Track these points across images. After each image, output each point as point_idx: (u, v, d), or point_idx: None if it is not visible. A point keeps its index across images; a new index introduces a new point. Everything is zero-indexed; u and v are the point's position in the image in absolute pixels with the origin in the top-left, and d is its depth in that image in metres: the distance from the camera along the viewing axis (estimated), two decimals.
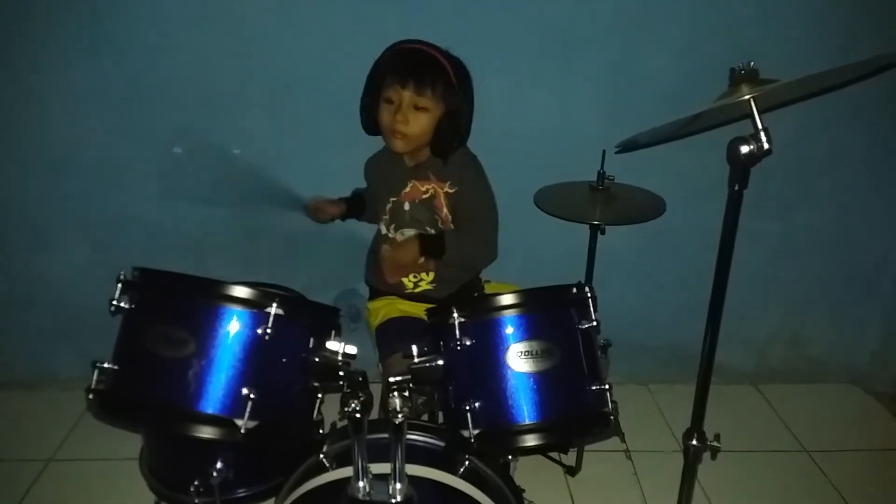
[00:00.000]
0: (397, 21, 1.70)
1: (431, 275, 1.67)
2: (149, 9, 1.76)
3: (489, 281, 1.79)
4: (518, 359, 1.13)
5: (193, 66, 1.81)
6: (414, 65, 1.51)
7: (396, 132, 1.54)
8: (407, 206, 1.64)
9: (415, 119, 1.53)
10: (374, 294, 1.74)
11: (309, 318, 1.17)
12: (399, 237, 1.66)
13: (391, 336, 1.58)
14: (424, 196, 1.63)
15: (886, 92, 1.92)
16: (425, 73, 1.51)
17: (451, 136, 1.58)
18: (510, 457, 1.40)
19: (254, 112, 1.88)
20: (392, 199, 1.65)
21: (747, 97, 1.05)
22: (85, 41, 1.78)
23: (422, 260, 1.63)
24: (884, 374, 2.24)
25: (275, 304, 1.06)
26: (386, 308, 1.67)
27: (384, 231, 1.68)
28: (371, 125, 1.61)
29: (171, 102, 1.85)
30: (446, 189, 1.63)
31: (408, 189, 1.63)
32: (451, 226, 1.65)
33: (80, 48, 1.79)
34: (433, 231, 1.64)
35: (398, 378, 1.06)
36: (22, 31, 1.77)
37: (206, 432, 1.04)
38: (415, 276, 1.67)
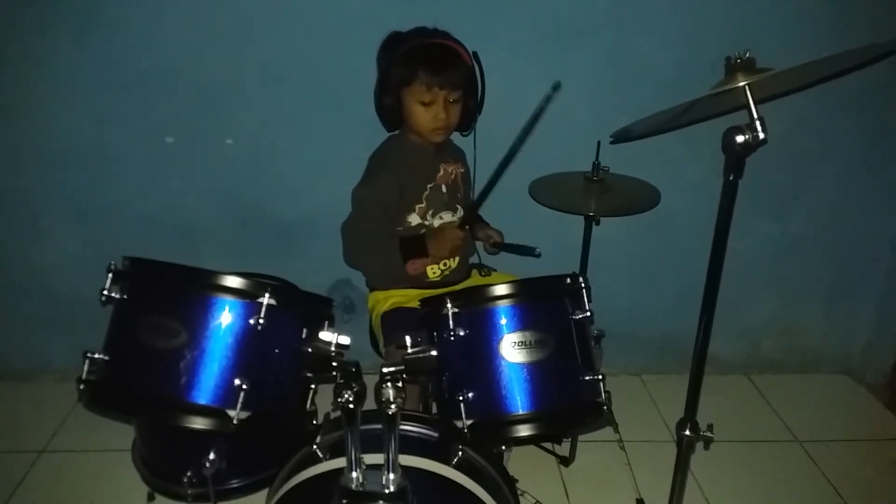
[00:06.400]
0: (391, 10, 1.69)
1: (457, 259, 1.69)
2: None
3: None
4: (512, 349, 1.13)
5: (186, 56, 1.79)
6: (442, 63, 1.51)
7: (438, 129, 1.57)
8: (444, 189, 1.67)
9: (453, 112, 1.57)
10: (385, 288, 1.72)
11: (302, 309, 1.16)
12: (437, 221, 1.66)
13: (398, 324, 1.58)
14: (453, 177, 1.68)
15: (880, 84, 1.92)
16: (454, 69, 1.53)
17: (474, 112, 1.63)
18: (504, 447, 1.40)
19: (247, 102, 1.86)
20: (430, 185, 1.65)
21: (742, 84, 1.05)
22: (77, 32, 1.76)
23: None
24: (875, 365, 2.25)
25: (267, 294, 1.06)
26: (395, 298, 1.66)
27: (417, 221, 1.65)
28: (397, 123, 1.62)
29: (163, 93, 1.83)
30: (460, 169, 1.71)
31: (441, 173, 1.67)
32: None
33: (71, 39, 1.76)
34: (462, 210, 1.70)
35: (391, 368, 1.06)
36: (13, 23, 1.74)
37: (199, 423, 1.04)
38: (443, 265, 1.68)
